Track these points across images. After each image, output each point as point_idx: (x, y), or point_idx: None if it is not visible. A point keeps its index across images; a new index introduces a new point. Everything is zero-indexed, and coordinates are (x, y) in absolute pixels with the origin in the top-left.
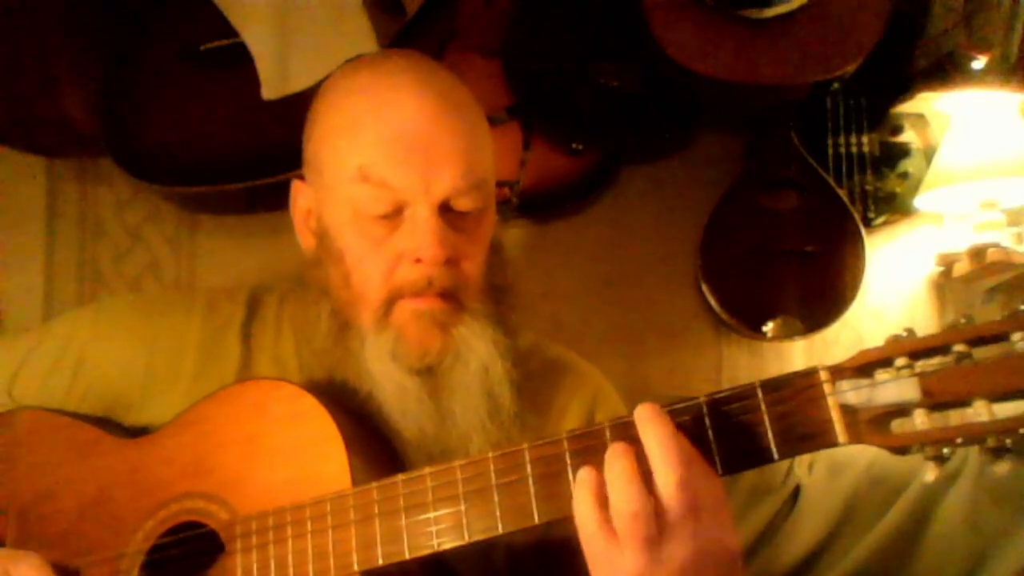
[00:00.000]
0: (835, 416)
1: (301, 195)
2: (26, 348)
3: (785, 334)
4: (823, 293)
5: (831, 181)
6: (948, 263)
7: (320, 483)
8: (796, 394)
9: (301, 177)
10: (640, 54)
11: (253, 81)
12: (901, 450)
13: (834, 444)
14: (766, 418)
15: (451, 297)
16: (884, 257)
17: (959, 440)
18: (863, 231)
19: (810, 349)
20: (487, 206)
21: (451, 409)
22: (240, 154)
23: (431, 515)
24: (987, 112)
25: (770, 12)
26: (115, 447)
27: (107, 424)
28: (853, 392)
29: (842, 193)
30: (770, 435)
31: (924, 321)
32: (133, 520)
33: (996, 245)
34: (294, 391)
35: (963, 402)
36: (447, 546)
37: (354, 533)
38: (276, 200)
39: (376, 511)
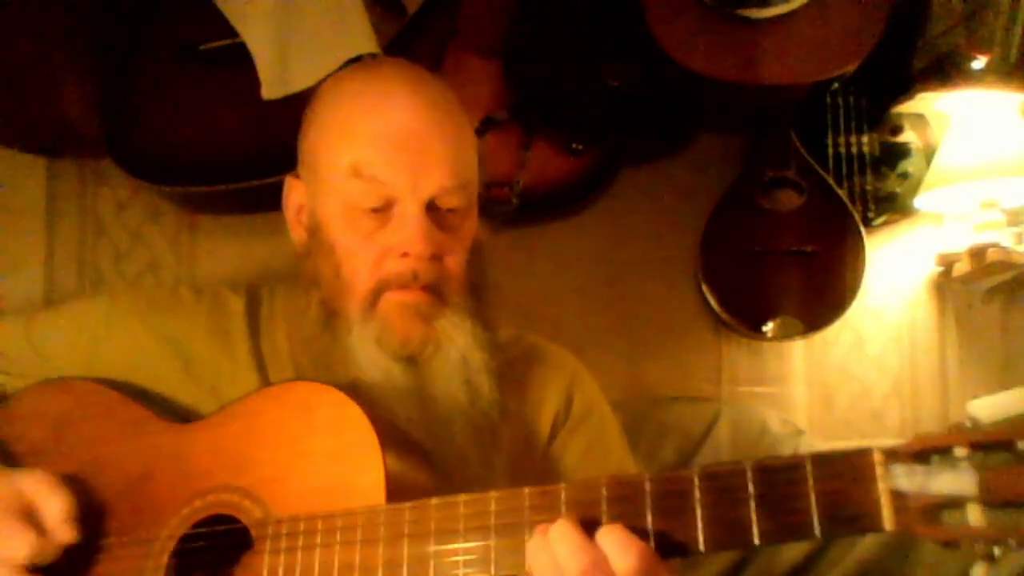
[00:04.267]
0: (884, 501)
1: (294, 191)
2: (43, 329)
3: (785, 334)
4: (823, 293)
5: (831, 181)
6: (948, 263)
7: (355, 494)
8: (845, 472)
9: (296, 175)
10: (640, 54)
11: (253, 81)
12: (950, 544)
13: (879, 529)
14: (812, 493)
15: (434, 291)
16: (884, 257)
17: (1012, 543)
18: (863, 231)
19: (810, 349)
20: (471, 206)
21: (432, 395)
22: (240, 154)
23: (460, 545)
24: (987, 112)
25: (770, 12)
26: (163, 430)
27: (158, 406)
28: (906, 478)
29: (842, 193)
30: (814, 511)
31: (924, 321)
32: (170, 505)
33: (996, 245)
34: (340, 397)
35: (1023, 504)
36: None
37: (382, 551)
38: (276, 200)
39: (406, 532)
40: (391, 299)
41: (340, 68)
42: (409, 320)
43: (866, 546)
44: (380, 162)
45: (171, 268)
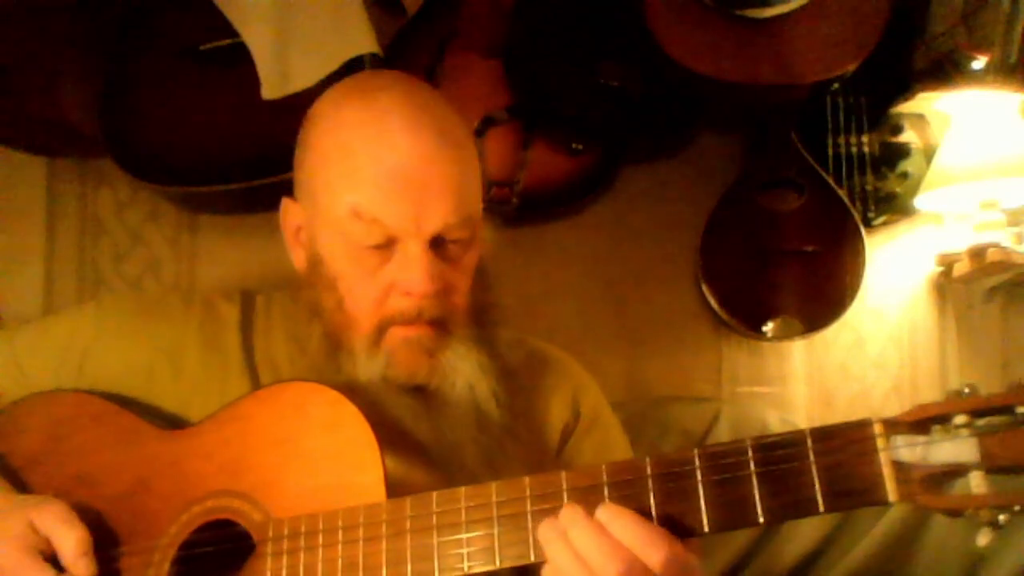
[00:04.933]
0: (886, 472)
1: (291, 213)
2: (30, 344)
3: (785, 334)
4: (823, 293)
5: (831, 181)
6: (948, 263)
7: (355, 492)
8: (846, 445)
9: (293, 197)
10: (641, 54)
11: (253, 81)
12: (954, 512)
13: (883, 502)
14: (814, 468)
15: (439, 324)
16: (884, 257)
17: (1017, 508)
18: (863, 231)
19: (810, 349)
20: (474, 236)
21: (441, 424)
22: (240, 154)
23: (463, 536)
24: (987, 112)
25: (770, 12)
26: (156, 438)
27: (149, 414)
28: (907, 448)
29: (842, 193)
30: (817, 486)
31: (924, 321)
32: (168, 512)
33: (996, 245)
34: (335, 396)
35: None
36: (477, 569)
37: (385, 547)
38: (276, 200)
39: (408, 527)
40: (396, 334)
41: (339, 69)
42: (414, 355)
43: (865, 546)
44: (381, 203)
45: (171, 268)
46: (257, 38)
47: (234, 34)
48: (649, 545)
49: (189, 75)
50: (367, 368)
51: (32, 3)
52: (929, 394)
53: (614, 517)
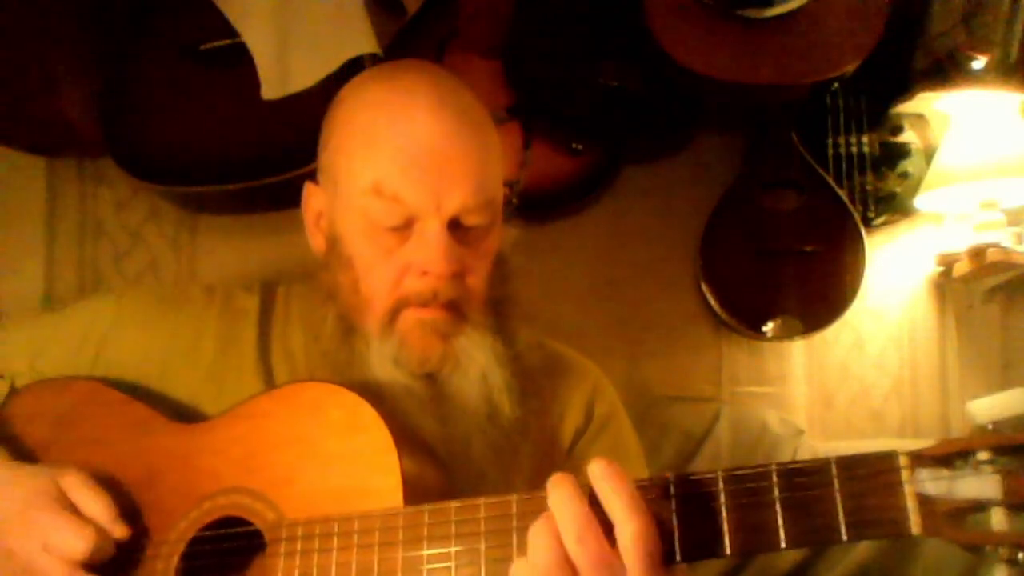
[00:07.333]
0: (911, 505)
1: (313, 197)
2: (50, 329)
3: (785, 334)
4: (823, 293)
5: (831, 181)
6: (948, 263)
7: (371, 497)
8: (872, 476)
9: (312, 179)
10: (641, 54)
11: (253, 81)
12: (973, 548)
13: (907, 534)
14: (838, 496)
15: (454, 308)
16: (884, 257)
17: None
18: (863, 231)
19: (810, 349)
20: (494, 221)
21: (451, 413)
22: (240, 154)
23: (481, 546)
24: (987, 112)
25: (770, 12)
26: (169, 430)
27: (162, 405)
28: (932, 482)
29: (842, 193)
30: (840, 515)
31: (924, 321)
32: (179, 507)
33: (996, 245)
34: (354, 399)
35: None
36: None
37: (401, 554)
38: (276, 200)
39: (425, 534)
40: (410, 316)
41: (339, 69)
42: (428, 338)
43: (865, 547)
44: (402, 181)
45: (171, 268)
46: (257, 38)
47: (234, 34)
48: (630, 512)
49: (189, 75)
50: (380, 351)
51: (32, 3)
52: (929, 394)
53: (605, 476)
